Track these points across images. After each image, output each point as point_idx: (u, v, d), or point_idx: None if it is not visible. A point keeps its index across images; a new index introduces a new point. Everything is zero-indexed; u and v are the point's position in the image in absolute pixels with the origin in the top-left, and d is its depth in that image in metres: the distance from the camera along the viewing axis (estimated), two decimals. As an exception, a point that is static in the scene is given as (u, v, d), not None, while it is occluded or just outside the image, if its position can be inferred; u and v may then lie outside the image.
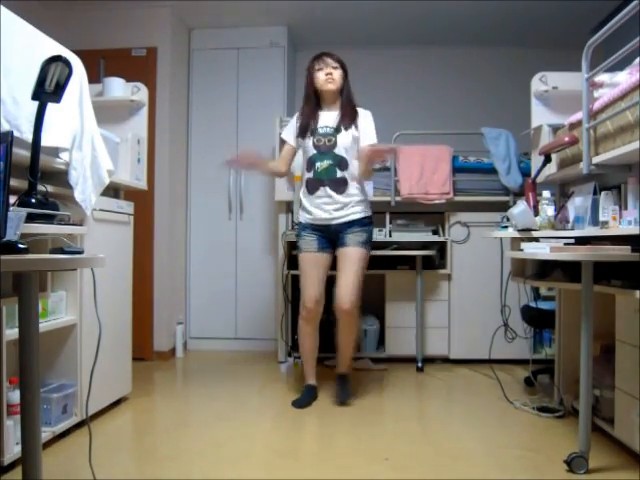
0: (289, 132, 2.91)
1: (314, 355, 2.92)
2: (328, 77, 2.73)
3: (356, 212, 2.78)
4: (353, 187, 2.77)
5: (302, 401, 2.79)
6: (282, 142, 2.98)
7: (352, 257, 2.74)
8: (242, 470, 2.03)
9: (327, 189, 2.75)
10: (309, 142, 2.79)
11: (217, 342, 4.30)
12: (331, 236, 2.81)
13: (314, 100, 2.81)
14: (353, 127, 2.77)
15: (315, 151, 2.77)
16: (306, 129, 2.80)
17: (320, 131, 2.78)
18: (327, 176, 2.75)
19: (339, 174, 2.74)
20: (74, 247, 1.65)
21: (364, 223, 2.80)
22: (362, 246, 2.76)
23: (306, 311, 2.80)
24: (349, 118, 2.77)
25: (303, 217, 2.85)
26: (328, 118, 2.80)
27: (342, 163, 2.75)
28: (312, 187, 2.78)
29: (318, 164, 2.76)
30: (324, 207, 2.76)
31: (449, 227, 3.74)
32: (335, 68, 2.75)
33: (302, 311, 2.83)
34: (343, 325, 2.80)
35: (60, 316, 2.33)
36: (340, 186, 2.74)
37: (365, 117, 2.82)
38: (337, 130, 2.76)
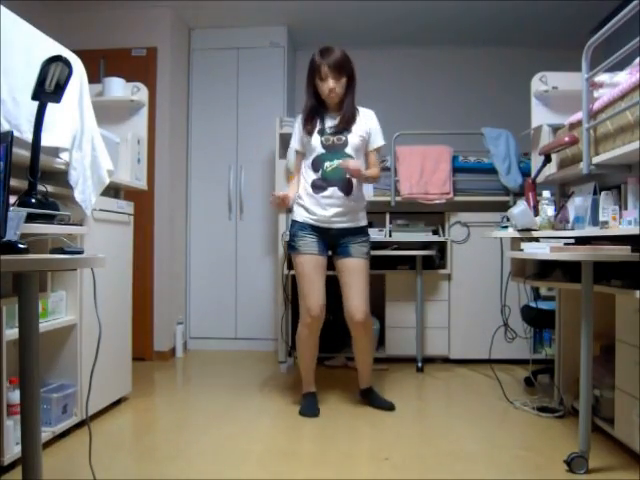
0: (297, 140, 2.79)
1: (315, 362, 2.84)
2: (331, 93, 2.63)
3: (360, 219, 2.74)
4: (358, 189, 2.72)
5: (312, 409, 2.69)
6: (297, 153, 2.82)
7: (360, 268, 2.68)
8: (242, 470, 2.03)
9: (336, 190, 2.64)
10: (316, 141, 2.68)
11: (217, 342, 4.30)
12: (330, 240, 2.72)
13: (318, 102, 2.72)
14: (361, 127, 2.71)
15: (324, 150, 2.67)
16: (313, 127, 2.70)
17: (328, 130, 2.69)
18: (335, 176, 2.64)
19: (347, 174, 2.63)
20: (74, 247, 1.66)
21: (366, 232, 2.77)
22: (367, 257, 2.72)
23: (311, 319, 2.64)
24: (353, 119, 2.70)
25: (301, 216, 2.70)
26: (334, 118, 2.72)
27: None
28: (319, 187, 2.66)
29: (327, 163, 2.66)
30: (329, 208, 2.66)
31: (449, 227, 3.74)
32: (336, 79, 2.61)
33: (306, 319, 2.66)
34: (360, 337, 2.72)
35: (60, 316, 2.33)
36: (348, 187, 2.66)
37: (371, 118, 2.77)
38: (347, 130, 2.69)
